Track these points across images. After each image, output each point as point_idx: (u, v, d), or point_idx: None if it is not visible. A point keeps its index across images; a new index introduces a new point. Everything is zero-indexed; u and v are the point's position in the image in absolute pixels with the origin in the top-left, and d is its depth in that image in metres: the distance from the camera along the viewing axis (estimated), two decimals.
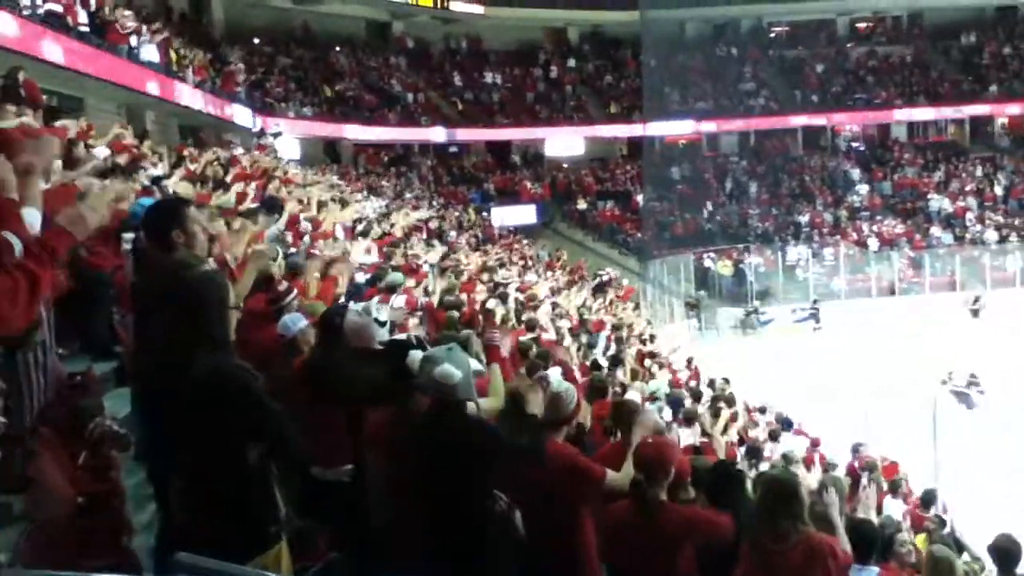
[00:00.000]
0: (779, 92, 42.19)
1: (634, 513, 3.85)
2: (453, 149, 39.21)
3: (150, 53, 19.68)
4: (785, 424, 13.64)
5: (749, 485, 4.70)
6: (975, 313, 28.09)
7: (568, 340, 11.43)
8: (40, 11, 15.61)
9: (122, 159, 10.07)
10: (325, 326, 4.66)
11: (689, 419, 9.82)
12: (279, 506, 2.77)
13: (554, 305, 16.44)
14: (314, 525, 3.74)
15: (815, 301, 30.25)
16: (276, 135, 27.47)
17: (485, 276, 16.56)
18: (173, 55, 21.97)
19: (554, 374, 4.38)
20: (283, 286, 5.96)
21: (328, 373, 4.38)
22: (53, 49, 15.68)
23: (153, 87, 19.96)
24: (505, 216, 35.04)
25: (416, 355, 3.66)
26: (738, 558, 3.96)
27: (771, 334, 28.11)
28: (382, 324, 4.37)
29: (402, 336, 4.14)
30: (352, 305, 4.69)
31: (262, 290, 6.06)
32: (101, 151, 11.56)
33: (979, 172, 39.25)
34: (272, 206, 11.35)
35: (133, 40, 18.88)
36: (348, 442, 4.22)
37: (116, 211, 7.99)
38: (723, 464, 4.65)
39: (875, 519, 8.20)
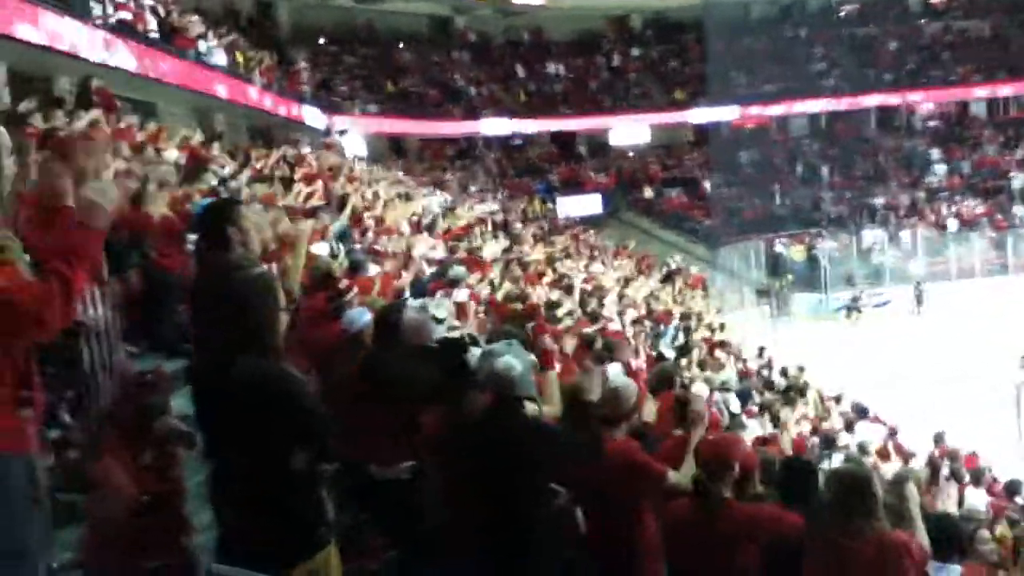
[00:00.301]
0: (850, 72, 40.89)
1: (696, 511, 3.75)
2: (517, 141, 39.15)
3: (218, 57, 20.09)
4: (861, 413, 13.24)
5: (821, 478, 4.52)
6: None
7: (632, 331, 11.26)
8: (111, 20, 16.06)
9: (189, 163, 10.28)
10: (382, 323, 4.65)
11: (761, 409, 9.63)
12: (327, 509, 2.75)
13: (621, 296, 16.29)
14: (368, 525, 3.74)
15: (918, 283, 29.27)
16: (342, 133, 27.83)
17: (550, 268, 16.46)
18: (240, 58, 22.40)
19: (613, 369, 4.28)
20: (343, 284, 5.99)
21: (385, 371, 4.38)
22: (125, 57, 16.11)
23: (222, 90, 20.41)
24: (571, 206, 34.87)
25: (475, 351, 3.62)
26: (806, 556, 3.82)
27: (844, 320, 27.30)
28: (440, 321, 4.35)
29: (456, 334, 4.09)
30: (410, 302, 4.67)
31: (322, 288, 6.12)
32: (171, 154, 11.89)
33: None
34: (339, 205, 11.49)
35: (201, 45, 19.30)
36: (406, 441, 4.20)
37: (182, 212, 8.20)
38: (793, 459, 4.50)
39: (956, 512, 7.92)
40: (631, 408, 4.06)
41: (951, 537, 4.59)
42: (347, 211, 10.49)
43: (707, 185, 37.09)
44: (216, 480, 2.89)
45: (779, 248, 32.25)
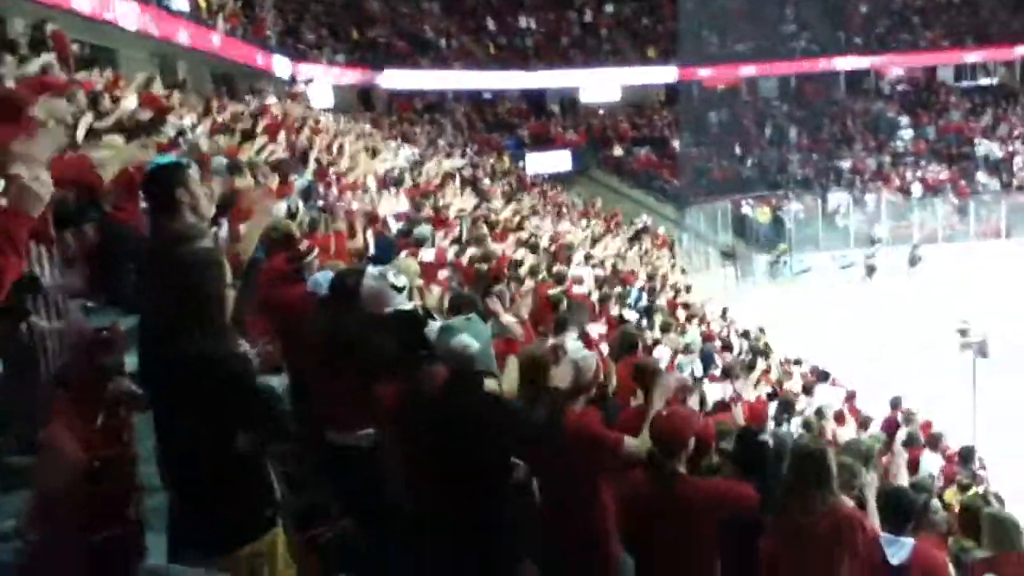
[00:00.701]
0: (821, 34, 40.89)
1: (650, 485, 3.75)
2: (487, 96, 38.72)
3: (180, 2, 19.52)
4: (820, 376, 13.42)
5: (774, 448, 4.55)
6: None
7: (596, 294, 11.24)
8: None
9: (146, 115, 9.97)
10: (339, 287, 4.56)
11: (723, 374, 9.68)
12: (274, 489, 2.70)
13: (587, 257, 16.28)
14: (323, 495, 3.71)
15: (915, 246, 29.25)
16: (308, 83, 27.31)
17: (517, 226, 16.37)
18: (203, 3, 21.79)
19: (571, 341, 4.25)
20: (304, 245, 5.88)
21: (342, 336, 4.31)
22: (83, 0, 15.60)
23: (184, 36, 19.84)
24: (540, 163, 34.66)
25: (434, 325, 3.57)
26: (762, 529, 3.85)
27: (809, 283, 27.55)
28: (399, 290, 4.27)
29: (409, 306, 4.02)
30: (370, 269, 4.58)
31: (282, 249, 5.99)
32: (130, 103, 11.55)
33: None
34: (302, 159, 11.27)
35: None
36: (364, 407, 4.14)
37: (139, 165, 7.98)
38: (747, 431, 4.52)
39: (907, 479, 8.07)
40: (589, 381, 4.03)
41: (904, 510, 4.64)
42: (310, 166, 10.29)
43: (676, 145, 37.04)
44: (163, 453, 2.82)
45: (745, 209, 32.36)
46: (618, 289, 14.18)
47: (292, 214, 6.84)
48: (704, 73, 39.25)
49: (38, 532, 3.03)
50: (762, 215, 31.90)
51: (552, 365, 3.99)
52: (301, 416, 5.12)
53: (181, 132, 10.33)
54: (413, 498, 3.65)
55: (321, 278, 5.13)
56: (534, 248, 13.85)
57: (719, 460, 4.23)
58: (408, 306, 4.04)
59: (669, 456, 3.70)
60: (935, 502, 5.41)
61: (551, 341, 4.39)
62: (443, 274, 9.02)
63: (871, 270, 27.97)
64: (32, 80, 9.29)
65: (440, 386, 3.48)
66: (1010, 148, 36.21)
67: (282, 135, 13.36)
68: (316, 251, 5.88)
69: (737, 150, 37.72)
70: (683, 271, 22.35)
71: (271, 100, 19.92)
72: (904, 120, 38.95)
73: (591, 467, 3.78)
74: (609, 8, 41.68)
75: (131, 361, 6.21)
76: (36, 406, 4.32)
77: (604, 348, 8.90)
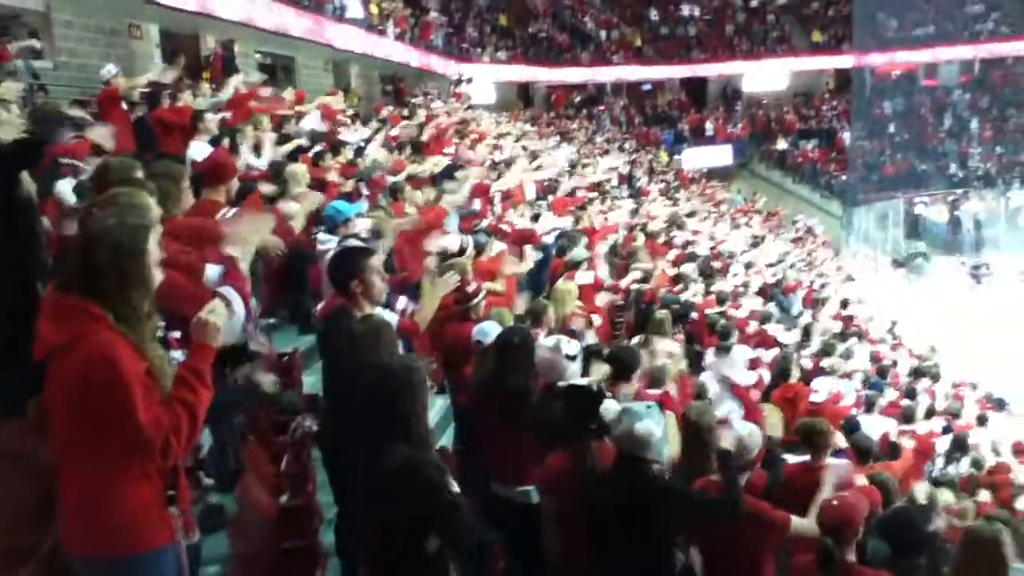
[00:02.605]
0: (1013, 13, 37.91)
1: (822, 574, 3.75)
2: (646, 87, 38.33)
3: (355, 10, 20.44)
4: (997, 404, 12.65)
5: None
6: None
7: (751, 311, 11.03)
8: None
9: (324, 136, 10.54)
10: (505, 346, 4.74)
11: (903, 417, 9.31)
12: None
13: (748, 265, 15.98)
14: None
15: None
16: (469, 81, 27.92)
17: (674, 232, 16.22)
18: (374, 9, 22.70)
19: (738, 421, 4.27)
20: (471, 287, 6.12)
21: (515, 398, 4.49)
22: (266, 16, 16.64)
23: (357, 43, 20.77)
24: (699, 158, 34.01)
25: (612, 406, 3.71)
26: None
27: (988, 291, 25.70)
28: (572, 359, 4.42)
29: (585, 382, 4.17)
30: (542, 340, 4.75)
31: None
32: (310, 120, 12.28)
33: None
34: (451, 172, 11.58)
35: None
36: (529, 466, 4.33)
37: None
38: (902, 510, 4.40)
39: None
40: (754, 458, 4.06)
41: None
42: (467, 187, 10.58)
43: (845, 137, 35.40)
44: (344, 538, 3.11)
45: (919, 208, 30.55)
46: (778, 299, 13.85)
47: (462, 249, 7.10)
48: (878, 59, 37.22)
49: None
50: (938, 214, 30.00)
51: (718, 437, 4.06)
52: (465, 456, 5.42)
53: (358, 150, 10.88)
54: (568, 564, 3.82)
55: (489, 328, 5.36)
56: (692, 258, 13.74)
57: (870, 538, 4.13)
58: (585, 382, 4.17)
59: (839, 544, 3.69)
60: None
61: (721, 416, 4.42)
62: (602, 298, 9.16)
63: None
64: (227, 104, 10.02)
65: (612, 465, 3.62)
66: None
67: (446, 147, 13.88)
68: (484, 293, 6.11)
69: (913, 143, 35.60)
70: (849, 277, 21.43)
71: (436, 104, 20.53)
72: None
73: (756, 544, 3.82)
74: None
75: (309, 381, 6.74)
76: (230, 448, 4.75)
77: (765, 376, 8.81)
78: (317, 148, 10.04)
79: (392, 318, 4.43)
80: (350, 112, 14.29)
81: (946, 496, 6.47)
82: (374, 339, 3.66)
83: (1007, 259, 27.55)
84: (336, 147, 10.25)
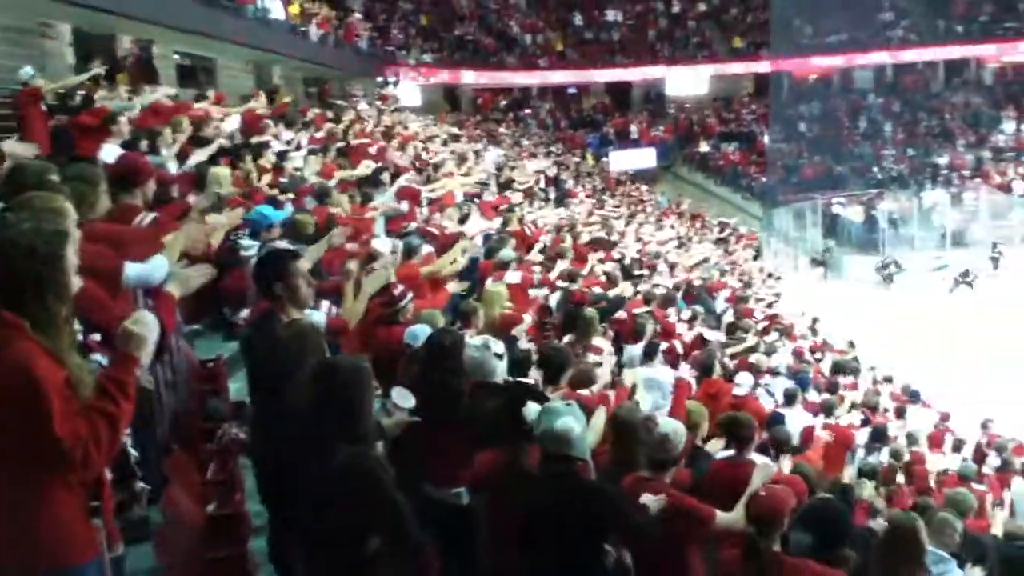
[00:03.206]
0: (920, 22, 39.47)
1: (745, 565, 3.83)
2: (572, 91, 38.70)
3: (276, 11, 20.13)
4: (912, 397, 13.11)
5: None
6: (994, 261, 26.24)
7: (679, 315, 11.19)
8: None
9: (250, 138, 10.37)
10: (435, 348, 4.73)
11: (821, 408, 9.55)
12: None
13: (672, 266, 16.24)
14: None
15: (995, 245, 27.76)
16: (396, 84, 27.81)
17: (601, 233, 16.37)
18: (295, 9, 22.39)
19: (663, 418, 4.34)
20: (398, 290, 6.08)
21: (444, 399, 4.49)
22: (186, 15, 16.26)
23: (278, 44, 20.45)
24: (624, 161, 34.47)
25: (533, 406, 3.72)
26: None
27: (903, 287, 26.65)
28: (500, 357, 4.43)
29: (525, 380, 4.18)
30: (470, 339, 4.74)
31: (379, 293, 6.21)
32: (231, 123, 12.03)
33: None
34: (377, 178, 11.53)
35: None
36: (461, 468, 4.32)
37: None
38: (825, 504, 4.54)
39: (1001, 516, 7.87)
40: (680, 453, 4.13)
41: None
42: (394, 189, 10.53)
43: (765, 140, 36.32)
44: (278, 543, 3.06)
45: (836, 208, 31.50)
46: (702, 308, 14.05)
47: (392, 252, 7.05)
48: (795, 64, 38.30)
49: None
50: (854, 214, 30.98)
51: (644, 436, 4.12)
52: (394, 459, 5.38)
53: (281, 154, 10.72)
54: (500, 564, 3.82)
55: (419, 331, 5.33)
56: (619, 259, 13.88)
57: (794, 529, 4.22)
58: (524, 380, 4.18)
59: (765, 536, 3.77)
60: None
61: (644, 415, 4.48)
62: (532, 293, 9.21)
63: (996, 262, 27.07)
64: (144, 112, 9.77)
65: (537, 466, 3.63)
66: None
67: (373, 149, 13.77)
68: (411, 296, 6.08)
69: (829, 145, 36.74)
70: (770, 276, 21.97)
71: (362, 106, 20.38)
72: (1005, 112, 37.31)
73: (683, 540, 3.88)
74: None
75: (235, 388, 6.60)
76: (153, 459, 4.62)
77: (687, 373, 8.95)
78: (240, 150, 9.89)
79: (320, 317, 4.38)
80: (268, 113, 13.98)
81: (868, 487, 6.68)
82: (299, 344, 3.61)
83: (920, 257, 28.68)
84: (258, 150, 10.11)
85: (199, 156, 9.09)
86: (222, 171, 8.11)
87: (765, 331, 13.20)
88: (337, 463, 2.79)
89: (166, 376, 4.98)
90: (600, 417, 4.42)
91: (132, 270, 3.90)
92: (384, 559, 2.80)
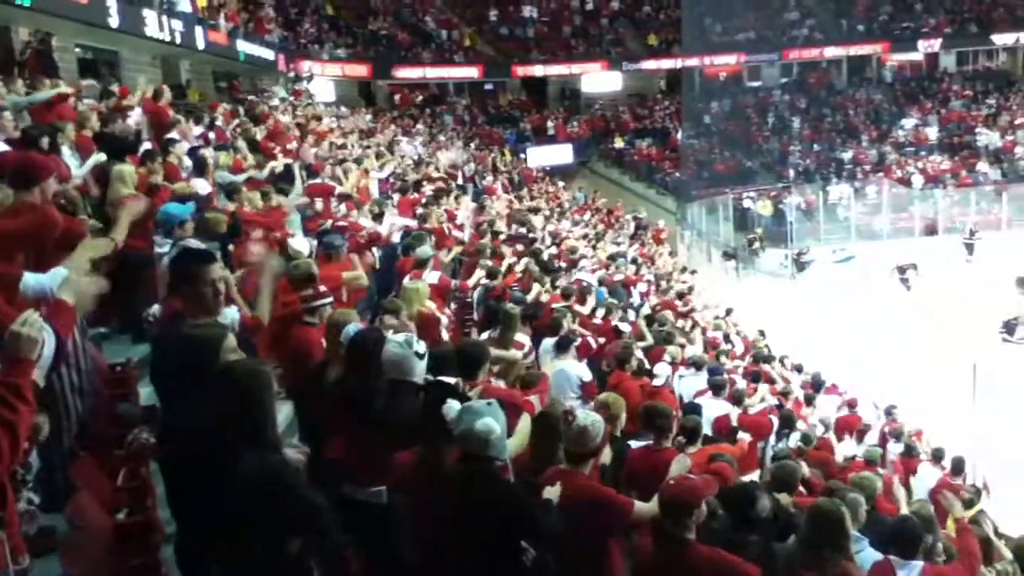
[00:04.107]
0: (824, 22, 40.82)
1: (659, 552, 3.88)
2: (489, 87, 38.73)
3: (183, 3, 19.53)
4: (819, 385, 13.53)
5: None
6: (969, 248, 27.29)
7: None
8: None
9: (148, 144, 10.02)
10: (358, 347, 4.66)
11: (733, 398, 9.74)
12: None
13: (589, 261, 16.38)
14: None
15: (971, 231, 28.24)
16: (310, 79, 27.33)
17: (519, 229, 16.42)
18: (202, 2, 21.78)
19: (581, 410, 4.37)
20: (321, 289, 5.99)
21: (363, 399, 4.43)
22: (86, 7, 15.63)
23: (186, 37, 19.83)
24: (541, 156, 34.67)
25: (454, 405, 3.69)
26: None
27: (809, 278, 27.51)
28: (421, 356, 4.39)
29: (446, 380, 4.13)
30: (392, 336, 4.69)
31: (300, 287, 6.09)
32: (135, 116, 11.64)
33: None
34: (287, 175, 11.34)
35: None
36: (381, 467, 4.27)
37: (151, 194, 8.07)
38: (740, 490, 4.66)
39: (903, 495, 8.18)
40: (599, 445, 4.17)
41: (912, 539, 4.84)
42: (296, 187, 10.38)
43: (678, 136, 37.01)
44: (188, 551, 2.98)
45: (747, 203, 32.33)
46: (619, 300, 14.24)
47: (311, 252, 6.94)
48: (706, 62, 39.14)
49: None
50: (764, 208, 31.85)
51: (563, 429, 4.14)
52: (314, 462, 5.29)
53: (192, 150, 10.42)
54: (421, 562, 3.80)
55: (352, 331, 5.23)
56: (537, 254, 13.93)
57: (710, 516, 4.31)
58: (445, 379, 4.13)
59: (678, 523, 3.83)
60: (938, 545, 5.53)
61: (565, 408, 4.49)
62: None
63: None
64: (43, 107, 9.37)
65: (456, 466, 3.61)
66: (1010, 137, 36.16)
67: (284, 143, 13.51)
68: (331, 299, 5.99)
69: (739, 141, 37.67)
70: (684, 269, 22.40)
71: (274, 101, 19.97)
72: (906, 109, 38.90)
73: (602, 531, 3.91)
74: None
75: (145, 392, 6.39)
76: (59, 466, 4.44)
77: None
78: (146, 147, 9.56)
79: (234, 314, 4.26)
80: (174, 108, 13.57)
81: None
82: (209, 345, 3.51)
83: (825, 249, 29.70)
84: (165, 147, 9.80)
85: (100, 155, 8.78)
86: (127, 168, 7.84)
87: (680, 323, 13.44)
88: (244, 470, 2.72)
89: (72, 380, 4.79)
90: (525, 423, 4.42)
91: (31, 279, 3.73)
92: (305, 560, 2.74)
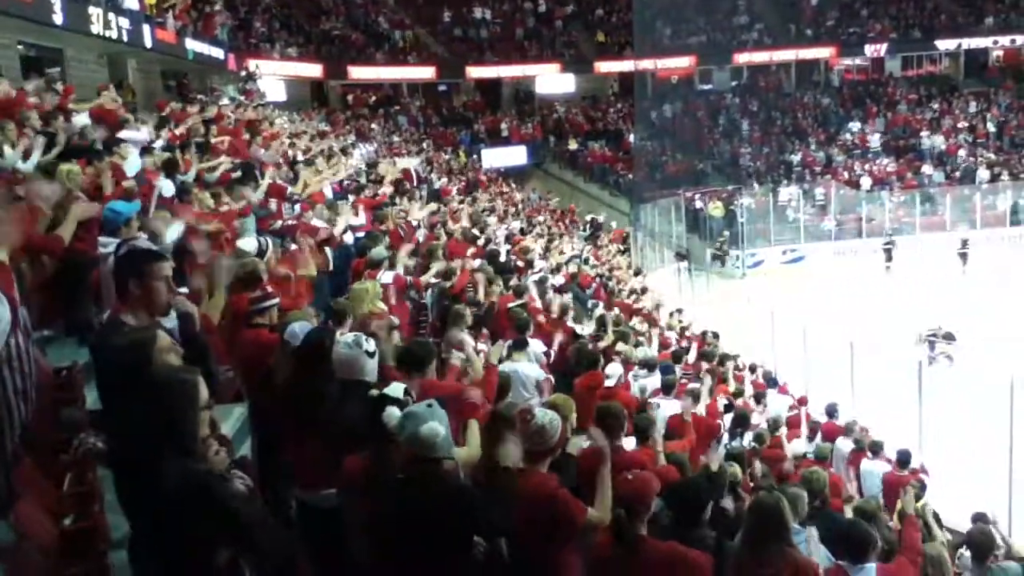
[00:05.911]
0: (773, 26, 41.51)
1: (614, 548, 3.91)
2: (443, 88, 38.66)
3: (130, 1, 19.17)
4: (770, 383, 13.72)
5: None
6: (963, 257, 27.92)
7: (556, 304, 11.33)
8: None
9: (99, 134, 9.84)
10: (310, 347, 4.62)
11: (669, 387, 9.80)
12: None
13: (543, 261, 16.44)
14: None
15: (889, 236, 29.24)
16: (259, 78, 26.99)
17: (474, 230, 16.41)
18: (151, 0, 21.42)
19: (538, 409, 4.37)
20: (268, 289, 5.91)
21: (310, 399, 4.39)
22: (27, 3, 15.27)
23: (133, 35, 19.47)
24: (495, 158, 34.70)
25: (394, 412, 3.67)
26: None
27: (761, 278, 27.91)
28: (371, 355, 4.36)
29: (394, 389, 4.08)
30: (340, 336, 4.65)
31: (248, 289, 6.01)
32: (82, 119, 11.38)
33: (972, 108, 38.90)
34: (247, 173, 11.17)
35: None
36: (331, 470, 4.24)
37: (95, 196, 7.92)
38: (687, 485, 4.72)
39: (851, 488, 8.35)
40: (556, 443, 4.18)
41: (861, 541, 4.93)
42: (263, 186, 10.24)
43: (631, 138, 37.30)
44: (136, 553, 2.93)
45: (699, 204, 32.69)
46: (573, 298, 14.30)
47: (262, 251, 6.84)
48: (658, 65, 39.51)
49: None
50: (715, 210, 32.22)
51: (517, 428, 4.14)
52: (267, 465, 5.23)
53: (145, 151, 10.23)
54: (372, 567, 3.77)
55: (298, 329, 5.17)
56: (493, 257, 13.93)
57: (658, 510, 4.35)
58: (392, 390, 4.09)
59: (632, 518, 3.87)
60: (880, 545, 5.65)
61: (521, 406, 4.50)
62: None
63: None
64: None
65: (405, 470, 3.59)
66: (954, 141, 37.09)
67: (234, 144, 13.32)
68: (277, 300, 5.91)
69: (691, 143, 38.09)
70: (638, 272, 22.55)
71: (224, 101, 19.68)
72: (853, 112, 39.68)
73: (556, 535, 3.91)
74: None
75: (92, 397, 6.25)
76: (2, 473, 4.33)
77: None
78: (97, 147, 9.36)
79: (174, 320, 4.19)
80: (123, 107, 13.34)
81: (735, 469, 6.94)
82: (140, 348, 3.45)
83: (774, 250, 30.15)
84: (109, 147, 9.60)
85: (40, 154, 8.59)
86: (72, 168, 7.67)
87: (632, 322, 13.54)
88: (168, 482, 2.66)
89: (16, 384, 4.68)
90: (475, 430, 4.41)
91: None
92: (237, 571, 2.70)
